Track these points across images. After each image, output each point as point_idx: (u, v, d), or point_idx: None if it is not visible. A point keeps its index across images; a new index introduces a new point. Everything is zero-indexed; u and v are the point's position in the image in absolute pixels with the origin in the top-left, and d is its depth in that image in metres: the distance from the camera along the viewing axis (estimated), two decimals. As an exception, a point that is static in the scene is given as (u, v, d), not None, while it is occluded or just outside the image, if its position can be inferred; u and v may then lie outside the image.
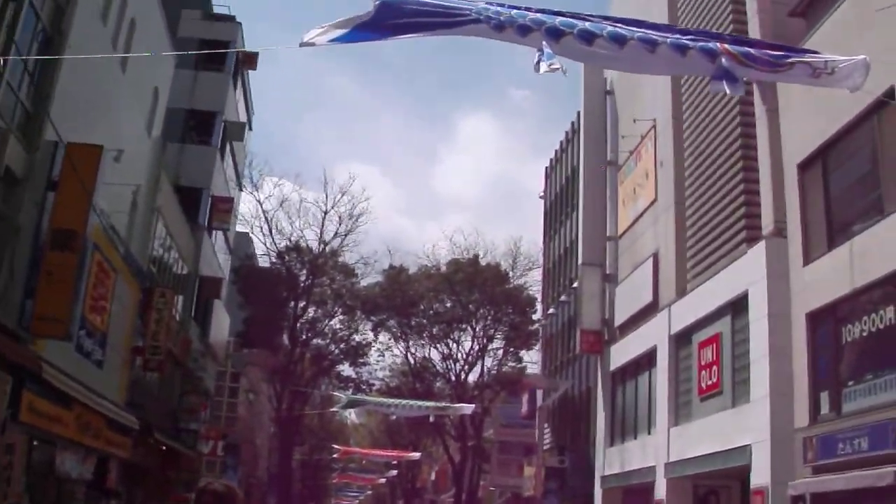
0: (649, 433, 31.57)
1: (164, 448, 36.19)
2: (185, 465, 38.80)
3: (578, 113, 46.62)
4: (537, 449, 39.07)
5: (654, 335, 31.38)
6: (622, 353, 35.13)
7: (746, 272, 24.58)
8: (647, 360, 32.52)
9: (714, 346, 26.36)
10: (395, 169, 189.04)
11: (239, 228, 51.58)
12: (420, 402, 41.09)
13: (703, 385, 26.85)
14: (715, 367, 26.15)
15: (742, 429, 23.67)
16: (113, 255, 26.31)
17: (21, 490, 20.68)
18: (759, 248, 23.94)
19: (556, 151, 52.94)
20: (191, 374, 41.13)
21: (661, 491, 29.05)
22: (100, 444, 26.17)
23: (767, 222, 24.25)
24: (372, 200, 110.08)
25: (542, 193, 55.24)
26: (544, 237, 53.00)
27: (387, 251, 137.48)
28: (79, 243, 20.02)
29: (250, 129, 55.69)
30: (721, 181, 27.52)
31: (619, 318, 36.06)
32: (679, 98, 31.62)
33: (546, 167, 55.03)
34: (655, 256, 32.43)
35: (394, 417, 52.59)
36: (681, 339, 29.35)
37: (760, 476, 22.45)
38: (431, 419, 45.94)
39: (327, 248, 51.44)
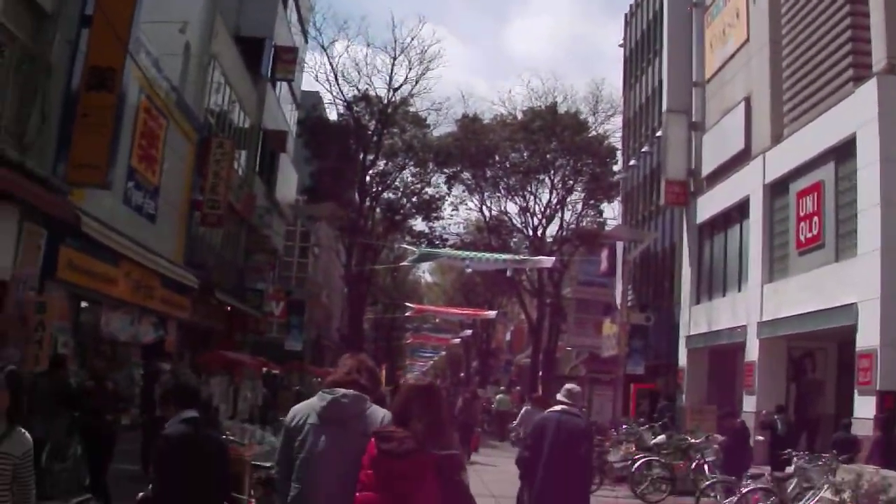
0: (740, 290, 29.55)
1: (228, 309, 34.99)
2: (252, 327, 37.61)
3: (662, -46, 43.52)
4: (618, 307, 37.06)
5: (746, 184, 29.10)
6: (710, 204, 32.90)
7: (854, 113, 22.12)
8: (737, 212, 30.33)
9: (815, 195, 24.05)
10: (465, 30, 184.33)
11: (305, 80, 49.50)
12: (497, 255, 38.99)
13: (802, 238, 24.63)
14: (816, 219, 23.89)
15: (847, 285, 21.55)
16: (163, 102, 24.55)
17: (71, 352, 19.31)
18: (870, 87, 21.41)
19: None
20: (256, 232, 39.67)
21: (752, 352, 27.14)
22: (155, 305, 24.79)
23: (879, 58, 21.70)
24: (443, 53, 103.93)
25: (621, 42, 52.34)
26: (624, 86, 50.29)
27: (460, 97, 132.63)
28: (117, 82, 18.16)
29: (315, -23, 53.25)
30: (824, 15, 24.80)
31: (707, 168, 33.73)
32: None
33: (625, 13, 52.04)
34: (747, 101, 29.97)
35: (469, 271, 50.22)
36: (776, 189, 27.08)
37: (868, 337, 20.38)
38: (508, 273, 43.87)
39: (397, 96, 48.77)
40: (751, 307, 27.58)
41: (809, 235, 24.19)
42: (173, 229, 27.07)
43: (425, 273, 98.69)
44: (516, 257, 40.10)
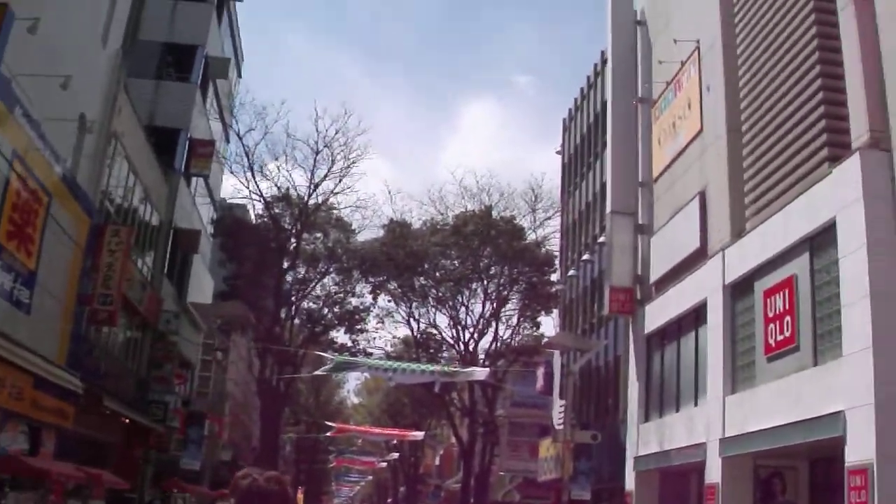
0: (696, 404, 26.53)
1: (126, 421, 31.26)
2: (154, 443, 33.75)
3: (602, 52, 41.68)
4: (559, 425, 33.84)
5: (702, 287, 26.31)
6: (659, 312, 30.07)
7: (832, 196, 19.47)
8: (692, 318, 27.49)
9: (786, 292, 21.21)
10: (398, 156, 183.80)
11: (225, 177, 46.35)
12: (424, 366, 35.76)
13: (772, 341, 21.70)
14: (788, 318, 21.00)
15: (830, 391, 18.57)
16: (45, 173, 21.31)
17: None
18: (851, 164, 18.78)
19: (574, 100, 47.88)
20: (164, 339, 36.12)
21: (713, 473, 23.96)
22: (23, 409, 21.10)
23: (859, 132, 19.19)
24: (369, 148, 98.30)
25: (558, 148, 50.12)
26: (562, 194, 47.89)
27: (387, 194, 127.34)
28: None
29: (239, 75, 50.58)
30: (791, 94, 22.38)
31: (656, 273, 31.00)
32: (730, 11, 26.54)
33: (564, 118, 50.01)
34: (702, 195, 27.41)
35: (392, 384, 46.54)
36: (739, 289, 24.28)
37: (860, 450, 17.30)
38: (437, 388, 40.35)
39: (319, 194, 45.45)
40: (711, 422, 24.53)
41: (781, 338, 21.28)
42: (55, 325, 23.55)
43: (350, 393, 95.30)
44: (446, 368, 36.81)
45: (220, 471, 53.19)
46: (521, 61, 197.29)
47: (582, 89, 46.35)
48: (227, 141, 46.55)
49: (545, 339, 39.99)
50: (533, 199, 48.16)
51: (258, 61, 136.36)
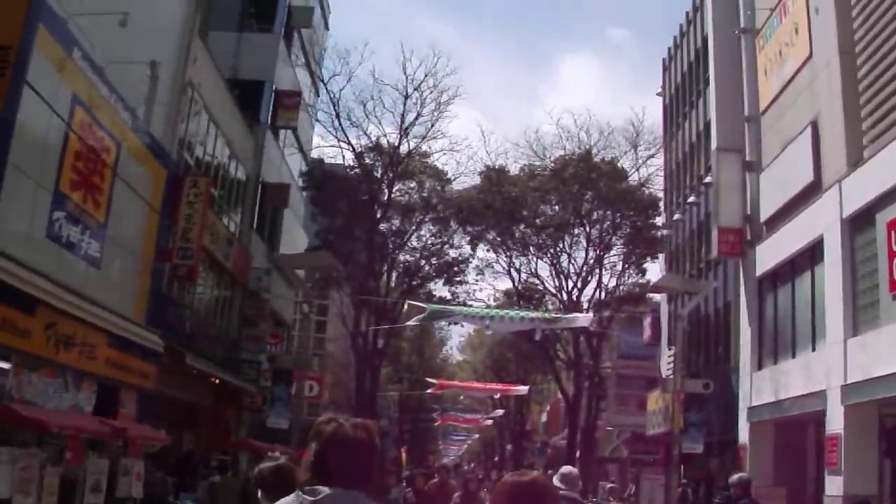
0: (814, 349, 24.65)
1: (215, 381, 30.40)
2: (248, 404, 32.86)
3: (703, -15, 39.44)
4: (667, 375, 32.00)
5: (818, 223, 24.38)
6: (772, 252, 28.14)
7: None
8: (808, 257, 25.56)
9: (913, 222, 19.29)
10: (496, 112, 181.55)
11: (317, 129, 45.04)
12: (523, 313, 34.06)
13: (898, 277, 19.78)
14: (916, 252, 19.09)
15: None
16: (112, 120, 20.23)
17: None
18: None
19: (674, 38, 45.59)
20: (256, 297, 35.18)
21: (835, 423, 22.11)
22: (97, 368, 20.13)
23: None
24: (461, 90, 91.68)
25: (659, 90, 47.93)
26: (664, 136, 45.74)
27: (480, 136, 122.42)
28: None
29: (326, 27, 49.33)
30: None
31: (767, 211, 29.03)
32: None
33: (663, 58, 47.76)
34: (814, 125, 25.40)
35: (489, 332, 44.79)
36: (858, 222, 22.32)
37: None
38: (537, 336, 38.46)
39: (410, 139, 43.58)
40: (831, 368, 22.65)
41: (908, 273, 19.36)
42: (131, 282, 22.56)
43: (453, 350, 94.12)
44: (546, 315, 34.97)
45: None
46: (615, 14, 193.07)
47: (681, 26, 44.09)
48: (317, 94, 45.23)
49: (651, 283, 37.77)
50: (634, 135, 45.64)
51: (345, 20, 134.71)
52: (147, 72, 23.43)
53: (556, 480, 9.42)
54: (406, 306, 39.31)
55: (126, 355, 21.45)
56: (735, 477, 13.65)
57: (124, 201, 21.08)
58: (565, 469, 9.93)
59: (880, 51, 21.90)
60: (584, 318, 33.90)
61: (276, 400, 28.70)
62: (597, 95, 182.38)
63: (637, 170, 44.94)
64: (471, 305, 43.32)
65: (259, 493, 6.27)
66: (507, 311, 36.75)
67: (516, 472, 4.43)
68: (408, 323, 35.40)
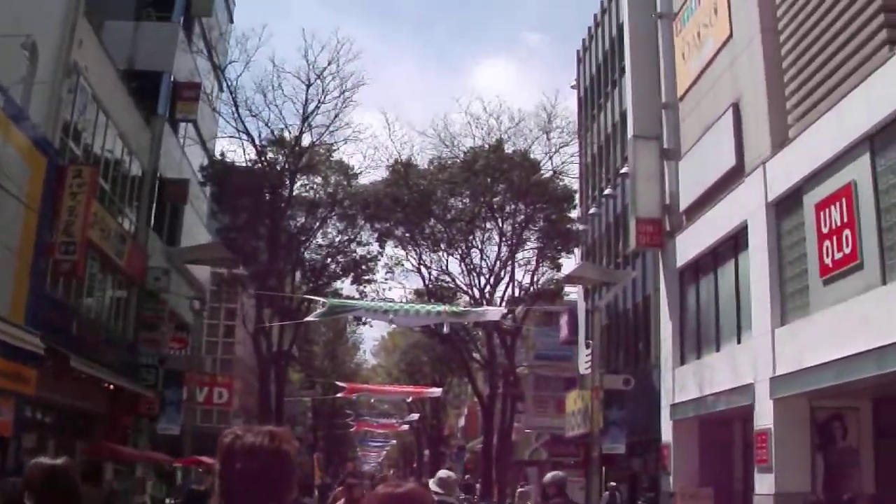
0: (739, 341, 23.58)
1: (109, 387, 28.48)
2: (145, 410, 30.94)
3: (618, -28, 38.45)
4: (585, 372, 30.73)
5: (741, 209, 23.31)
6: (692, 242, 27.04)
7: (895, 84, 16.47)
8: (731, 245, 24.50)
9: (843, 201, 18.17)
10: (409, 116, 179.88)
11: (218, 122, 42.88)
12: (429, 307, 32.48)
13: (829, 261, 18.65)
14: (848, 232, 17.97)
15: (906, 313, 15.61)
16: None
17: None
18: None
19: (588, 28, 44.55)
20: (153, 298, 33.31)
21: (764, 417, 20.97)
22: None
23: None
24: (365, 76, 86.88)
25: (573, 83, 46.83)
26: (579, 130, 44.54)
27: (385, 123, 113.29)
28: None
29: (230, 20, 47.46)
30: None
31: (686, 200, 27.95)
32: None
33: (577, 50, 46.72)
34: (735, 107, 24.36)
35: (393, 327, 43.22)
36: (785, 205, 21.28)
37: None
38: (445, 329, 36.87)
39: (313, 131, 41.44)
40: (758, 360, 21.53)
41: (839, 256, 18.23)
42: (5, 278, 20.71)
43: (367, 354, 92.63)
44: (455, 308, 33.39)
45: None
46: (530, 19, 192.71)
47: (595, 15, 43.07)
48: (220, 87, 43.27)
49: (566, 275, 36.23)
50: (546, 120, 44.02)
51: (258, 17, 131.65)
52: (24, 50, 21.57)
53: (432, 485, 9.42)
54: (308, 303, 37.49)
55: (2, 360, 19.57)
56: (548, 476, 12.45)
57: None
58: (442, 473, 10.05)
59: (803, 25, 20.87)
60: (494, 312, 32.56)
61: (166, 404, 26.87)
62: (512, 96, 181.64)
63: (550, 158, 43.32)
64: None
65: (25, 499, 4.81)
66: (412, 304, 35.33)
67: (391, 482, 3.96)
68: (308, 318, 33.53)
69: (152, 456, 28.39)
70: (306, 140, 41.20)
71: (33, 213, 21.54)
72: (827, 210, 18.78)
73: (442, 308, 31.52)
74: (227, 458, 3.41)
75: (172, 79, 35.38)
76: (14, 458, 21.09)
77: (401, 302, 37.29)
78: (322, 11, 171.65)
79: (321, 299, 31.60)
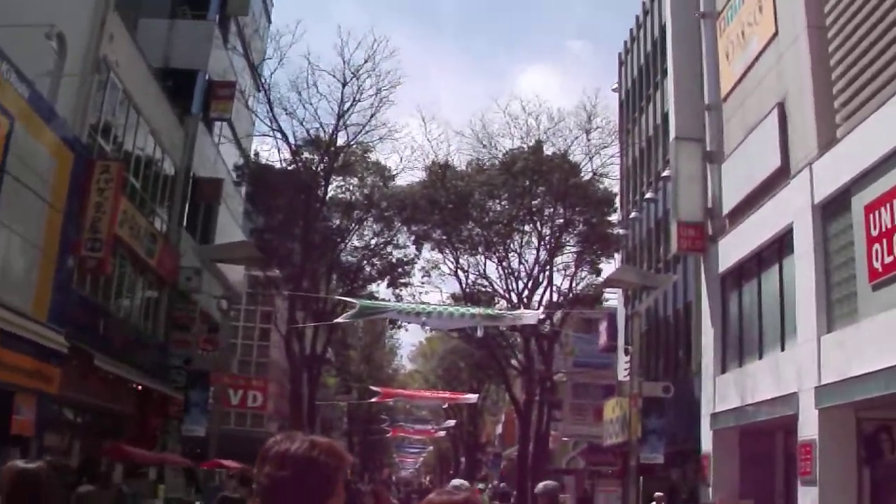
0: (783, 349, 22.74)
1: (138, 388, 28.10)
2: (175, 412, 30.50)
3: (660, -27, 37.71)
4: (624, 379, 29.87)
5: (786, 211, 22.50)
6: (735, 246, 26.24)
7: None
8: (775, 249, 23.69)
9: (894, 203, 17.34)
10: (451, 119, 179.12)
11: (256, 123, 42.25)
12: (463, 309, 31.69)
13: (878, 265, 17.80)
14: (900, 235, 17.16)
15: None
16: (3, 90, 18.00)
17: None
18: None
19: (630, 30, 43.75)
20: (184, 299, 32.94)
21: (808, 428, 20.13)
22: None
23: None
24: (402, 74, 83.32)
25: (615, 85, 46.04)
26: (620, 134, 43.71)
27: (420, 122, 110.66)
28: None
29: (269, 20, 47.07)
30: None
31: (729, 203, 27.16)
32: None
33: (619, 53, 45.94)
34: (781, 107, 23.56)
35: (427, 330, 42.44)
36: (832, 207, 20.44)
37: None
38: (479, 333, 36.05)
39: (349, 128, 40.42)
40: (803, 368, 20.71)
41: (890, 259, 17.39)
42: (29, 273, 20.28)
43: (404, 359, 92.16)
44: (490, 311, 32.58)
45: (264, 444, 50.14)
46: (574, 27, 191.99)
47: (637, 17, 42.28)
48: (257, 87, 42.71)
49: (605, 277, 35.17)
50: (586, 119, 42.92)
51: (297, 17, 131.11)
52: (52, 42, 21.17)
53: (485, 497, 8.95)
54: (342, 305, 36.77)
55: (20, 355, 19.14)
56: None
57: (20, 183, 18.82)
58: (456, 481, 10.55)
59: (852, 21, 20.07)
60: (530, 315, 31.77)
61: (191, 405, 26.29)
62: (556, 104, 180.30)
63: (590, 159, 42.25)
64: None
65: None
66: (446, 306, 34.66)
67: (445, 490, 4.06)
68: (338, 319, 32.78)
69: (168, 458, 27.77)
70: (341, 139, 40.55)
71: (60, 206, 21.13)
72: (877, 212, 17.94)
73: (476, 311, 30.73)
74: (262, 464, 3.27)
75: (207, 77, 34.99)
76: (36, 457, 20.67)
77: (434, 304, 36.46)
78: (362, 15, 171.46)
79: (353, 300, 30.87)
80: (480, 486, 54.42)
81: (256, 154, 42.03)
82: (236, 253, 28.75)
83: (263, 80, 40.65)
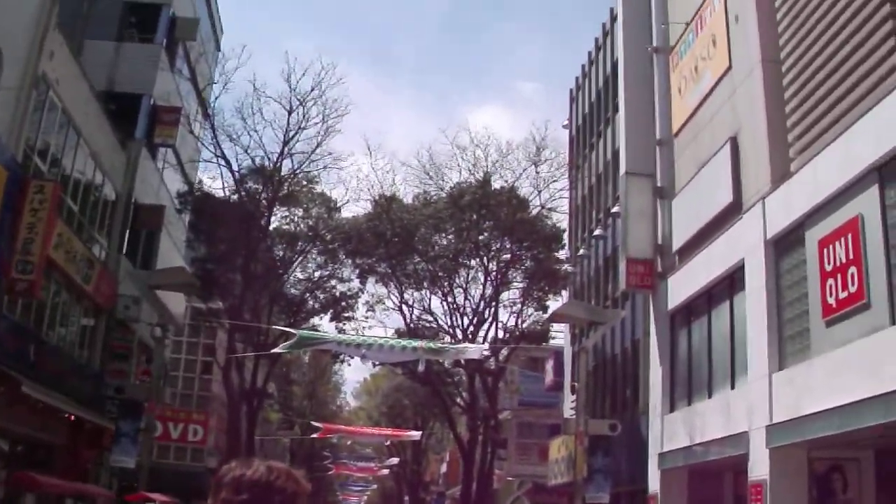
0: (733, 387, 22.28)
1: (70, 418, 27.14)
2: (109, 444, 29.48)
3: (612, 9, 37.65)
4: (570, 416, 29.32)
5: (737, 248, 22.13)
6: (685, 284, 25.85)
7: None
8: (726, 285, 23.28)
9: (849, 237, 16.99)
10: (398, 152, 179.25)
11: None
12: (405, 342, 30.91)
13: (832, 301, 17.44)
14: (854, 270, 16.76)
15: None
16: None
17: None
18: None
19: (582, 67, 43.59)
20: (123, 328, 32.04)
21: (759, 468, 19.65)
22: None
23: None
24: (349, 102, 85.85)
25: (566, 122, 45.75)
26: (570, 170, 43.37)
27: (366, 150, 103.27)
28: None
29: (217, 48, 46.38)
30: (850, 9, 18.28)
31: (680, 239, 26.78)
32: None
33: (570, 89, 45.74)
34: (733, 141, 23.29)
35: (368, 363, 41.61)
36: (784, 243, 20.09)
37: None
38: (421, 367, 35.30)
39: (294, 158, 39.85)
40: (754, 407, 20.26)
41: (844, 295, 17.02)
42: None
43: (348, 396, 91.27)
44: (431, 345, 31.76)
45: (203, 479, 49.00)
46: (525, 69, 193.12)
47: (589, 53, 42.11)
48: (205, 115, 41.88)
49: (552, 312, 34.60)
50: (535, 151, 42.43)
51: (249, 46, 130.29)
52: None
53: None
54: (283, 336, 35.84)
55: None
56: None
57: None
58: None
59: (807, 55, 19.78)
60: (474, 349, 31.13)
61: (121, 435, 25.34)
62: (505, 138, 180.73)
63: (539, 193, 41.83)
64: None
65: None
66: (387, 339, 33.95)
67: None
68: (276, 350, 31.98)
69: (86, 490, 26.59)
70: (286, 167, 39.78)
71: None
72: (831, 246, 17.61)
73: (418, 344, 29.93)
74: (217, 491, 3.15)
75: (152, 102, 34.28)
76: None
77: (374, 336, 35.70)
78: (313, 51, 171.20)
79: (292, 330, 30.03)
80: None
81: (200, 182, 41.28)
82: (172, 279, 27.86)
83: (209, 106, 39.92)
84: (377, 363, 44.01)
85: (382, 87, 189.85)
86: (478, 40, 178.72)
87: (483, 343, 40.58)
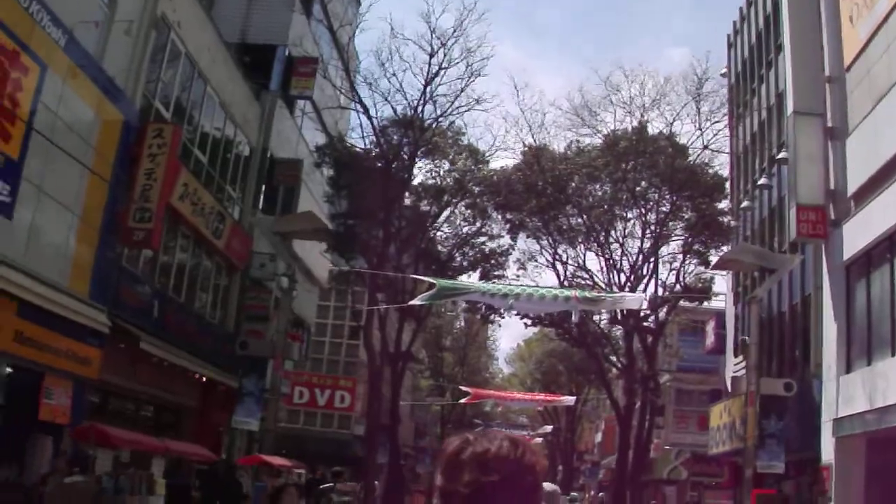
0: (922, 342, 19.75)
1: (201, 379, 26.03)
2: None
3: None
4: (735, 377, 26.87)
5: (925, 185, 19.53)
6: (862, 231, 23.23)
7: None
8: (911, 230, 20.69)
9: None
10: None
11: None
12: (556, 291, 28.57)
13: None
14: None
15: None
16: (33, 35, 16.02)
17: None
18: None
19: (740, 9, 40.65)
20: (258, 288, 30.92)
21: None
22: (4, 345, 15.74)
23: None
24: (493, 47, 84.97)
25: (724, 70, 42.79)
26: (730, 119, 40.51)
27: (514, 90, 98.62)
28: None
29: (358, 2, 44.80)
30: None
31: (855, 183, 24.15)
32: None
33: (727, 34, 42.91)
34: (917, 69, 20.56)
35: (514, 313, 38.98)
36: (985, 177, 17.48)
37: None
38: (575, 318, 33.06)
39: (436, 99, 36.92)
40: (947, 363, 17.76)
41: None
42: (65, 243, 18.26)
43: (498, 361, 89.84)
44: (587, 294, 29.36)
45: (350, 446, 47.99)
46: (672, 36, 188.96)
47: (747, -2, 39.23)
48: (346, 69, 40.11)
49: (719, 257, 31.60)
50: (697, 82, 39.27)
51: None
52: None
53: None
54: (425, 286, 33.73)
55: (51, 333, 17.14)
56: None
57: (59, 142, 16.79)
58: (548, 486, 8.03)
59: None
60: (633, 299, 28.73)
61: (244, 395, 23.93)
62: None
63: (701, 133, 38.80)
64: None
65: None
66: (536, 286, 31.84)
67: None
68: (413, 301, 30.10)
69: (174, 447, 24.15)
70: (429, 112, 37.59)
71: (105, 172, 19.09)
72: None
73: (572, 293, 27.53)
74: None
75: (287, 52, 32.96)
76: (72, 447, 18.64)
77: (523, 285, 33.52)
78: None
79: (431, 280, 28.02)
80: (574, 494, 52.02)
81: (340, 134, 39.61)
82: (301, 224, 26.34)
83: (345, 50, 38.28)
84: (529, 322, 41.75)
85: (528, 51, 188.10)
86: (627, 10, 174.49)
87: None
